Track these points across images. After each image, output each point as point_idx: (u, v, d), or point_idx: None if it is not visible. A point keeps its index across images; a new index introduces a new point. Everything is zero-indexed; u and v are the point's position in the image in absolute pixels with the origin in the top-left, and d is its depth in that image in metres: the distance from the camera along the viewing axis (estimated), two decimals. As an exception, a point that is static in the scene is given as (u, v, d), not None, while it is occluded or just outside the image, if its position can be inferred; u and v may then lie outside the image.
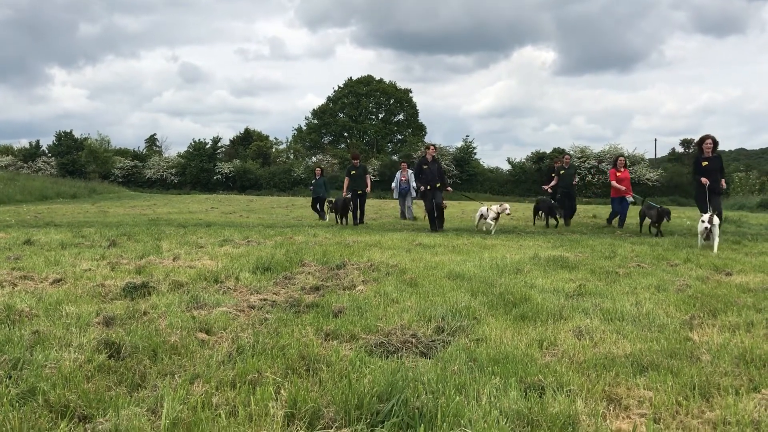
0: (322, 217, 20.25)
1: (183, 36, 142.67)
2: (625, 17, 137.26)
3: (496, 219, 14.70)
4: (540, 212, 17.36)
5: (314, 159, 51.96)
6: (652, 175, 44.70)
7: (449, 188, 15.87)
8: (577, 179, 18.58)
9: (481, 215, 15.15)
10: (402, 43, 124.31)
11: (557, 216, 16.46)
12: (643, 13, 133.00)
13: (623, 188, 16.09)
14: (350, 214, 17.68)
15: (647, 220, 14.87)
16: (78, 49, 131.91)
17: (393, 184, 21.01)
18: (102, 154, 50.28)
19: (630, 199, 16.46)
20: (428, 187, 15.34)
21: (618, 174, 16.34)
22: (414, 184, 19.72)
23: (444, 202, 17.49)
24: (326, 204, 19.88)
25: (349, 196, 17.58)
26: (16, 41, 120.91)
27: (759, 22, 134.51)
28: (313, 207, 21.08)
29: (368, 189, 18.34)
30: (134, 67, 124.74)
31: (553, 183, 17.80)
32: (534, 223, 17.44)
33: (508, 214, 15.32)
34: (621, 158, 16.82)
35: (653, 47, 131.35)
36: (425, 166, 15.52)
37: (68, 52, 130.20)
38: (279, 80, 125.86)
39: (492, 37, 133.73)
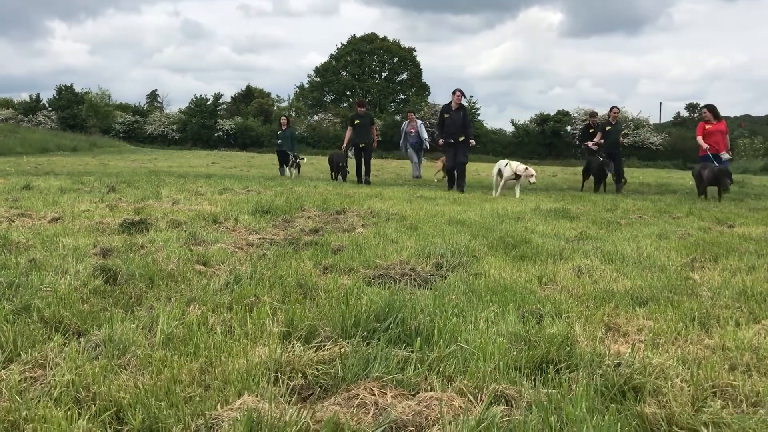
0: (282, 171, 17.98)
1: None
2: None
3: (515, 178, 11.78)
4: (589, 175, 14.58)
5: (316, 117, 51.64)
6: (656, 139, 44.42)
7: (472, 141, 13.24)
8: (624, 139, 15.83)
9: (499, 171, 12.19)
10: (408, 0, 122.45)
11: (611, 173, 13.72)
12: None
13: (705, 145, 12.69)
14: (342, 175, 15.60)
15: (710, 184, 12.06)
16: (79, 2, 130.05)
17: (402, 137, 18.44)
18: (103, 108, 49.93)
19: (726, 156, 12.84)
20: (451, 141, 13.12)
21: (707, 127, 12.94)
22: (425, 136, 17.80)
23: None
24: (291, 158, 17.71)
25: (350, 150, 15.50)
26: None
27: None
28: (280, 163, 18.78)
29: (375, 142, 15.78)
30: (135, 22, 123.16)
31: (597, 139, 14.75)
32: (582, 187, 14.63)
33: (532, 183, 12.17)
34: (705, 110, 13.33)
35: (662, 10, 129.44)
36: (447, 115, 13.17)
37: (69, 5, 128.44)
38: (281, 37, 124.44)
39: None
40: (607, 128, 14.74)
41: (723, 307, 3.51)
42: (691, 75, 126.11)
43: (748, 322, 3.26)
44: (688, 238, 6.15)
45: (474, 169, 25.71)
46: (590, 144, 14.96)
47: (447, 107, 13.34)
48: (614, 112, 15.16)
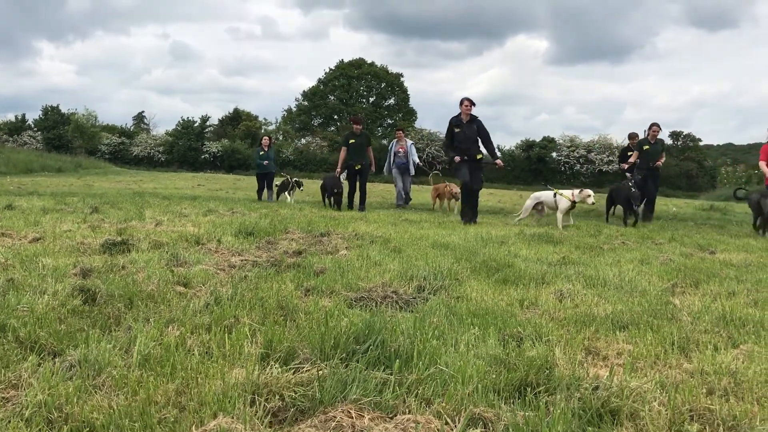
0: (260, 196, 16.44)
1: (174, 13, 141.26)
2: (619, 8, 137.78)
3: (569, 209, 10.30)
4: (613, 205, 12.64)
5: (303, 141, 51.77)
6: (640, 165, 44.82)
7: (499, 162, 11.25)
8: (664, 158, 13.42)
9: (538, 204, 10.67)
10: (396, 27, 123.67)
11: (636, 209, 11.41)
12: (637, 4, 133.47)
13: None
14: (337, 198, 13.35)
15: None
16: (67, 23, 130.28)
17: (389, 157, 15.91)
18: (89, 129, 49.85)
19: None
20: (464, 158, 10.79)
21: None
22: (415, 159, 15.63)
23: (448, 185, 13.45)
24: (275, 183, 16.43)
25: (343, 174, 13.63)
26: (3, 13, 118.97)
27: (751, 16, 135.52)
28: (260, 188, 16.82)
29: (372, 166, 13.72)
30: (124, 44, 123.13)
31: (632, 159, 13.08)
32: (607, 218, 12.59)
33: (592, 204, 10.39)
34: None
35: (646, 39, 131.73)
36: (457, 129, 10.86)
37: (57, 26, 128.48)
38: (270, 61, 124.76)
39: (486, 24, 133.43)
40: (645, 147, 12.88)
41: (702, 332, 3.52)
42: (675, 103, 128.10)
43: (726, 346, 3.28)
44: (669, 264, 6.19)
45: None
46: (624, 165, 13.54)
47: (457, 120, 10.97)
48: (654, 130, 13.03)
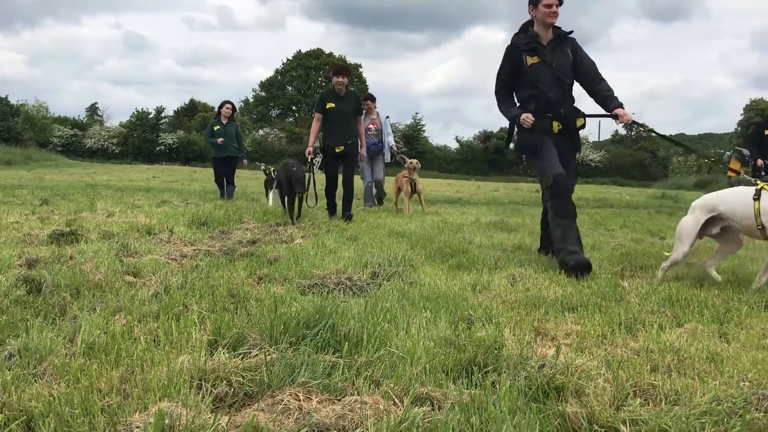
0: (224, 191, 12.53)
1: (126, 2, 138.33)
2: (577, 0, 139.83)
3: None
4: None
5: (261, 132, 51.28)
6: (595, 156, 45.66)
7: (623, 112, 5.19)
8: None
9: (716, 220, 4.55)
10: (355, 17, 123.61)
11: None
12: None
13: None
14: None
15: None
16: (14, 11, 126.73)
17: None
18: (39, 121, 48.44)
19: None
20: (547, 119, 5.33)
21: None
22: (390, 139, 11.49)
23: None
24: (267, 173, 11.75)
25: (316, 158, 8.90)
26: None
27: (703, 9, 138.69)
28: (218, 177, 12.76)
29: (362, 148, 9.20)
30: (75, 34, 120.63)
31: None
32: None
33: None
34: None
35: (602, 31, 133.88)
36: (532, 59, 5.24)
37: (3, 14, 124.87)
38: (227, 51, 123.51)
39: (445, 15, 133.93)
40: None
41: (649, 312, 3.60)
42: (630, 94, 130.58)
43: (671, 325, 3.35)
44: (620, 249, 6.31)
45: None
46: None
47: (528, 42, 5.31)
48: None
